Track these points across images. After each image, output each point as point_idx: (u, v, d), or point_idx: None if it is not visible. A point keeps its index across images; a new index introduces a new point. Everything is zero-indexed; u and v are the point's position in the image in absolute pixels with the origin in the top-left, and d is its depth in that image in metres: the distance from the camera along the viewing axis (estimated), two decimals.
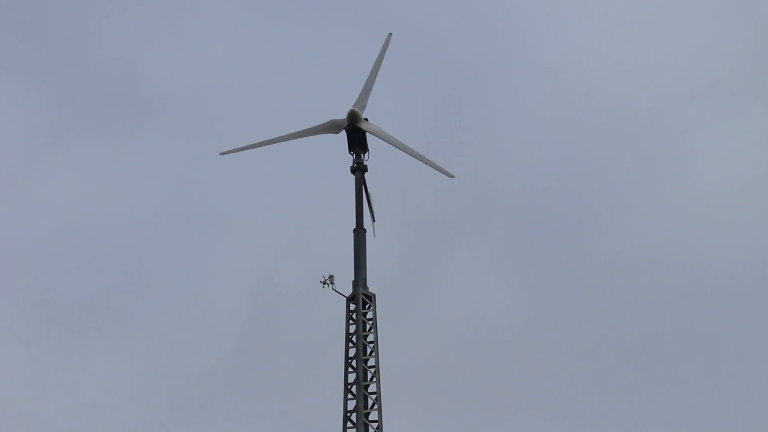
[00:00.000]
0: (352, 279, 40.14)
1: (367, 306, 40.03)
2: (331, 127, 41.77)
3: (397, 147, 41.28)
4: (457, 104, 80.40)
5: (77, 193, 76.60)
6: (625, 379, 65.59)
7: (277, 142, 41.98)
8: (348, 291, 39.98)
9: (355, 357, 39.18)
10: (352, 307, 39.84)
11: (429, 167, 41.00)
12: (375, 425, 38.32)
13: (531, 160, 77.04)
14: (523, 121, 78.57)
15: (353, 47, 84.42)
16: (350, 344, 39.46)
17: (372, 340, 39.50)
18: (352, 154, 41.77)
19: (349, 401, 38.69)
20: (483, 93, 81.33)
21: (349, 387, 38.91)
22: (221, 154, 42.08)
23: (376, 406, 38.56)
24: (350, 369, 39.12)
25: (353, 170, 41.67)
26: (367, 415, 38.39)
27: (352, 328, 39.56)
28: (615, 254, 71.34)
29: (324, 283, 39.42)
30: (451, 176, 40.66)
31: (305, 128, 41.80)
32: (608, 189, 75.41)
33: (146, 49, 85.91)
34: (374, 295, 40.05)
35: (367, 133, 41.22)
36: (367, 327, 39.79)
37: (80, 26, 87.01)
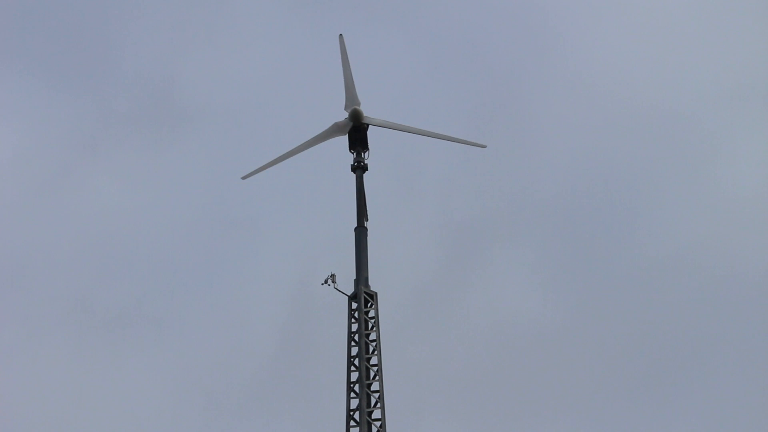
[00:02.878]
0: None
1: (369, 304, 40.05)
2: (336, 130, 41.94)
3: (402, 131, 41.36)
4: (493, 108, 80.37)
5: (115, 201, 77.60)
6: (658, 382, 64.86)
7: (291, 155, 41.95)
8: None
9: (357, 356, 39.27)
10: (354, 305, 39.88)
11: (454, 142, 41.86)
12: (378, 423, 38.37)
13: (565, 164, 76.81)
14: (557, 124, 78.33)
15: (395, 56, 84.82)
16: (353, 343, 39.53)
17: (374, 338, 39.52)
18: (353, 153, 41.92)
19: (352, 400, 38.77)
20: (518, 97, 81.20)
21: (351, 385, 38.99)
22: (243, 178, 42.32)
23: (379, 405, 38.61)
24: (353, 368, 39.21)
25: (353, 169, 41.77)
26: (370, 413, 38.41)
27: (355, 327, 39.60)
28: (648, 257, 70.75)
29: (326, 282, 39.58)
30: (484, 146, 41.14)
31: (311, 138, 41.97)
32: (642, 192, 74.92)
33: (182, 59, 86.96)
34: (376, 293, 40.07)
35: (367, 132, 41.48)
36: (369, 325, 39.80)
37: (118, 37, 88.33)
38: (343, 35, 43.11)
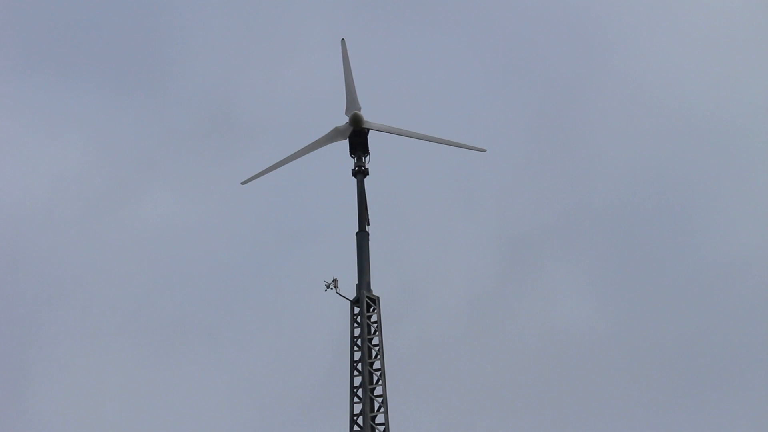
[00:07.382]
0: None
1: (371, 309, 39.94)
2: (336, 135, 41.92)
3: (403, 135, 41.14)
4: (552, 119, 79.94)
5: (173, 214, 78.86)
6: (713, 390, 63.44)
7: (291, 160, 42.19)
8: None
9: (360, 360, 39.20)
10: (357, 310, 39.82)
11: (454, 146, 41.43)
12: (382, 428, 38.22)
13: (619, 174, 76.21)
14: (612, 135, 77.71)
15: (458, 70, 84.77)
16: (355, 347, 39.46)
17: (377, 343, 39.34)
18: (353, 158, 41.91)
19: (355, 404, 38.59)
20: (576, 107, 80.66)
21: (355, 390, 38.90)
22: (242, 183, 43.02)
23: (382, 409, 38.48)
24: (356, 372, 39.07)
25: (354, 173, 41.78)
26: (373, 418, 38.28)
27: (357, 332, 39.51)
28: (703, 267, 69.78)
29: (328, 286, 39.54)
30: (483, 150, 40.78)
31: (311, 142, 42.03)
32: (697, 202, 74.10)
33: (241, 75, 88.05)
34: (378, 297, 39.95)
35: (368, 137, 41.49)
36: (372, 330, 39.64)
37: (177, 53, 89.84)
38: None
